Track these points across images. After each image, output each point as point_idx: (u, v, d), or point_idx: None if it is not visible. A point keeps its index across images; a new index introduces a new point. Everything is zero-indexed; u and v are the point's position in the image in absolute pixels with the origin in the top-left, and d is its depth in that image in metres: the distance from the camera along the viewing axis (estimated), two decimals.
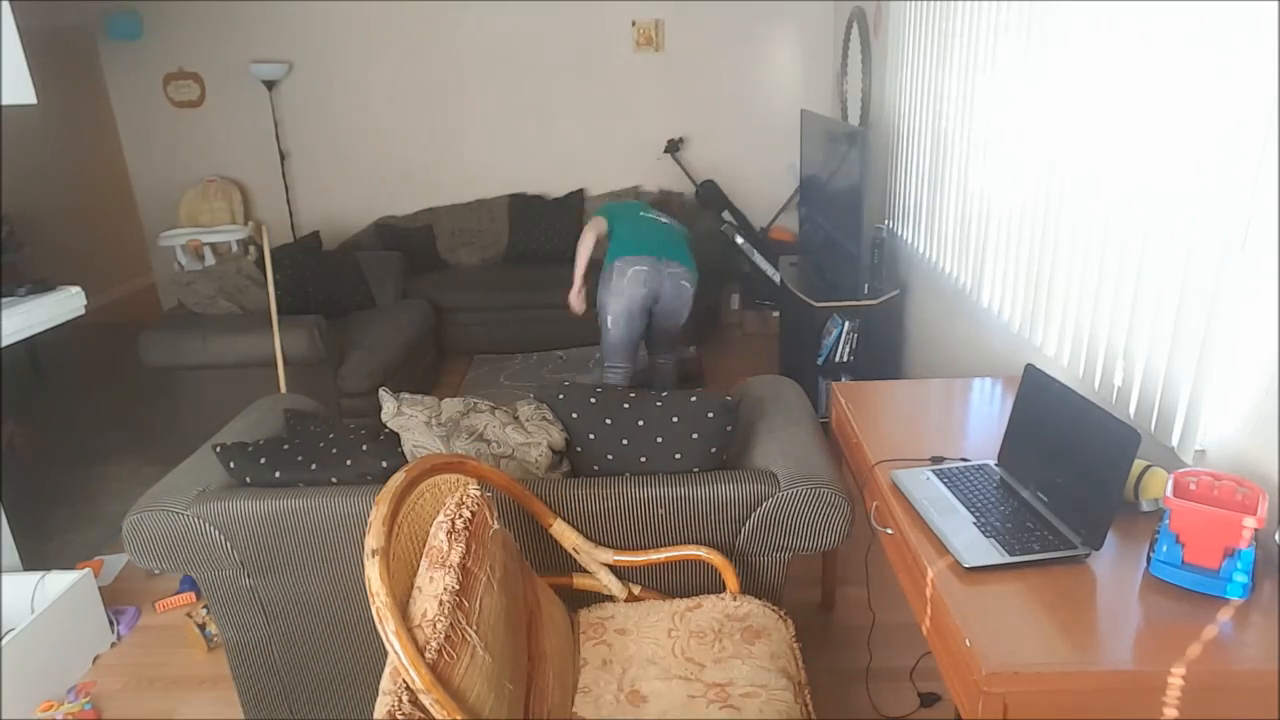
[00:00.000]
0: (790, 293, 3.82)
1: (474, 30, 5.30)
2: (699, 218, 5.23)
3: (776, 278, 4.49)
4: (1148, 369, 1.80)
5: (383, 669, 1.25)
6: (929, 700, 2.18)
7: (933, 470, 1.77)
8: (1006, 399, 2.20)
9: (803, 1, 5.20)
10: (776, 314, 5.04)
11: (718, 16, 5.23)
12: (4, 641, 2.19)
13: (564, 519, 1.82)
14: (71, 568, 2.64)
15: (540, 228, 5.26)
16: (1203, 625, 1.30)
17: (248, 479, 1.87)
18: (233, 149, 5.59)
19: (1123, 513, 1.57)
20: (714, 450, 1.87)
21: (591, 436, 1.91)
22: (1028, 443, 1.69)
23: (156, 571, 2.89)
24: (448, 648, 1.25)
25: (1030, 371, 1.72)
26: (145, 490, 1.92)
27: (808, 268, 4.07)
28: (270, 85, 5.33)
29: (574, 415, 1.93)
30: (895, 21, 3.78)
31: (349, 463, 1.87)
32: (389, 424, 1.95)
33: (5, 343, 2.32)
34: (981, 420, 2.10)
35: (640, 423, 1.88)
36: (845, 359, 3.66)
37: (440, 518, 1.43)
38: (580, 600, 1.87)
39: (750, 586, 1.90)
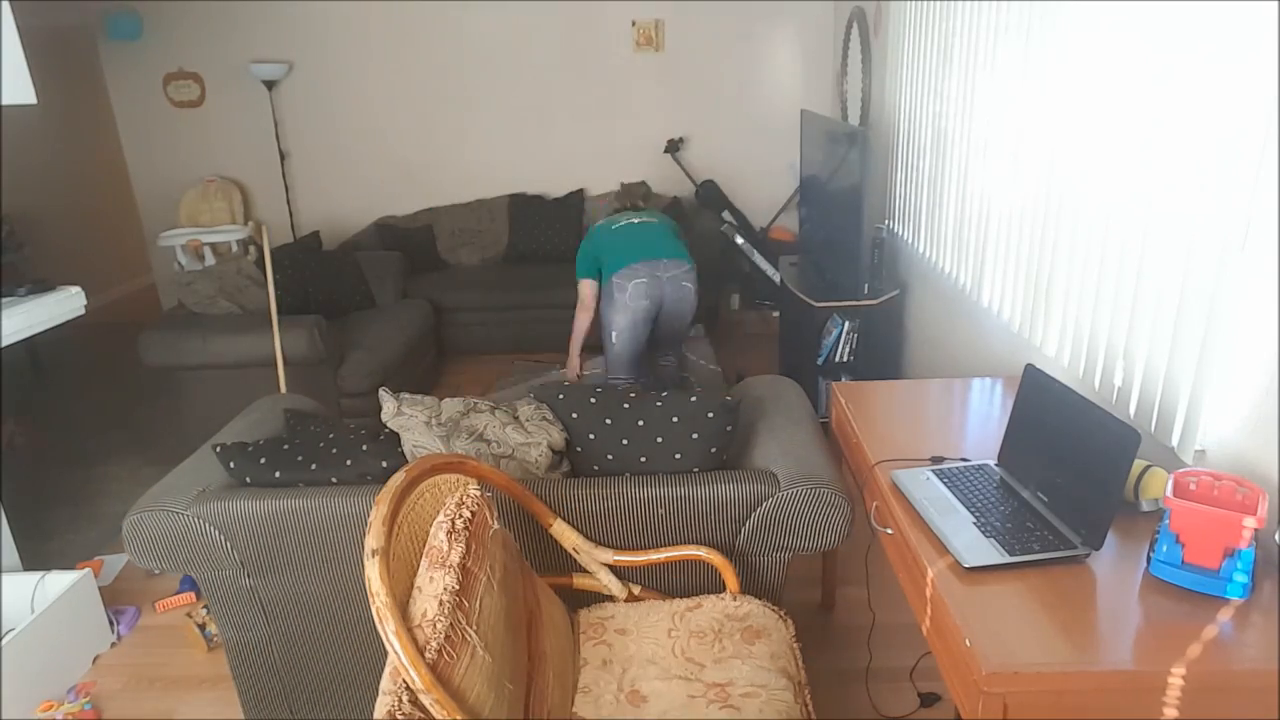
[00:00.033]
0: (790, 293, 3.82)
1: (474, 30, 5.31)
2: (699, 218, 5.23)
3: (776, 278, 4.49)
4: (1148, 369, 1.80)
5: (383, 669, 1.25)
6: (929, 700, 2.18)
7: (933, 470, 1.77)
8: (1006, 399, 2.20)
9: (803, 1, 5.20)
10: (776, 314, 5.04)
11: (718, 16, 5.23)
12: (4, 641, 2.19)
13: (564, 519, 1.82)
14: (71, 568, 2.64)
15: (540, 228, 5.26)
16: (1203, 625, 1.30)
17: (248, 479, 1.87)
18: (233, 149, 5.59)
19: (1123, 513, 1.57)
20: (714, 450, 1.87)
21: (591, 436, 1.91)
22: (1028, 443, 1.69)
23: (156, 571, 2.88)
24: (448, 648, 1.25)
25: (1030, 371, 1.72)
26: (145, 490, 1.92)
27: (808, 268, 4.07)
28: (270, 85, 5.33)
29: (574, 415, 1.93)
30: (895, 21, 3.78)
31: (349, 463, 1.86)
32: (389, 424, 1.95)
33: (5, 343, 2.32)
34: (981, 420, 2.10)
35: (640, 423, 1.88)
36: (845, 359, 3.66)
37: (440, 518, 1.43)
38: (580, 600, 1.87)
39: (750, 586, 1.90)
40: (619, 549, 1.84)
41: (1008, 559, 1.45)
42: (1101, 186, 1.98)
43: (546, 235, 5.25)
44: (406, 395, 1.99)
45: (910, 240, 3.63)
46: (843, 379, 3.66)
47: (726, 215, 5.17)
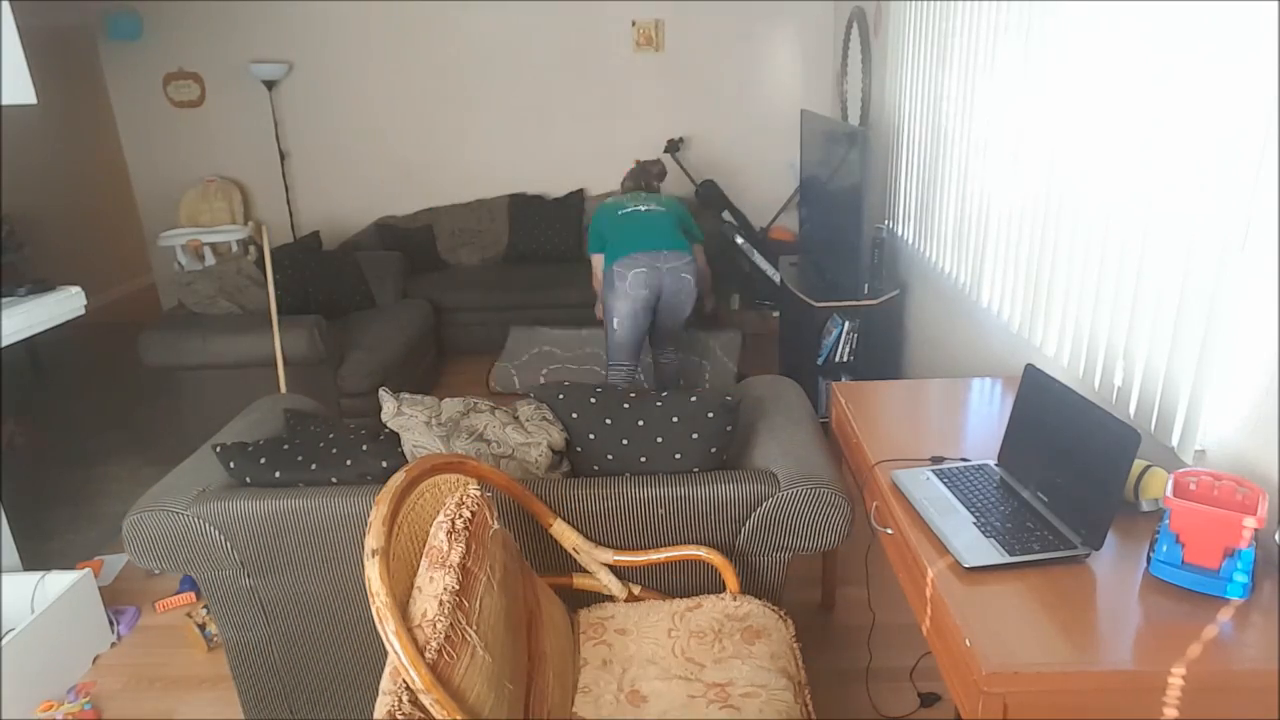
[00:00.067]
0: (790, 293, 3.82)
1: (474, 30, 5.31)
2: (699, 218, 5.22)
3: (776, 278, 4.49)
4: (1148, 369, 1.80)
5: (383, 669, 1.25)
6: (929, 700, 2.18)
7: (933, 470, 1.77)
8: (1006, 399, 2.20)
9: (803, 1, 5.20)
10: (776, 314, 5.04)
11: (718, 16, 5.23)
12: (4, 641, 2.19)
13: (564, 519, 1.82)
14: (71, 568, 2.64)
15: (540, 228, 5.26)
16: (1203, 625, 1.30)
17: (248, 479, 1.87)
18: (233, 149, 5.59)
19: (1123, 513, 1.57)
20: (714, 450, 1.87)
21: (591, 436, 1.91)
22: (1028, 443, 1.69)
23: (156, 571, 2.88)
24: (448, 648, 1.25)
25: (1030, 371, 1.72)
26: (145, 490, 1.92)
27: (808, 268, 4.07)
28: (270, 85, 5.33)
29: (574, 415, 1.93)
30: (895, 21, 3.78)
31: (349, 463, 1.87)
32: (389, 424, 1.95)
33: (5, 343, 2.32)
34: (981, 420, 2.10)
35: (640, 423, 1.88)
36: (845, 359, 3.66)
37: (440, 518, 1.43)
38: (580, 600, 1.87)
39: (750, 586, 1.90)
40: (619, 549, 1.84)
41: (1008, 559, 1.45)
42: (1101, 186, 1.98)
43: (546, 235, 5.25)
44: (406, 395, 1.99)
45: (910, 240, 3.63)
46: (843, 379, 3.66)
47: (726, 215, 5.17)
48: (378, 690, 1.24)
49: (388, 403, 1.97)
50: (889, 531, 1.72)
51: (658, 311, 3.43)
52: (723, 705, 1.51)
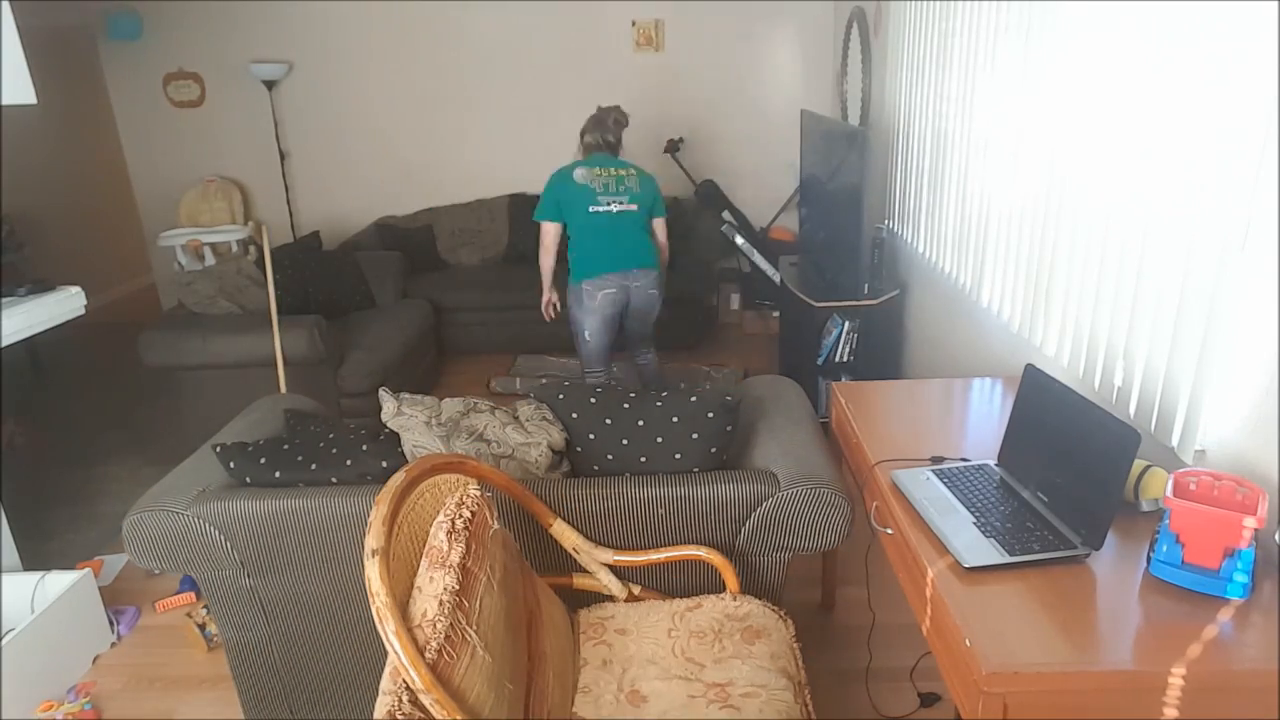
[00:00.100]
0: (790, 293, 3.82)
1: (474, 30, 5.31)
2: (699, 218, 5.23)
3: (776, 278, 4.49)
4: (1148, 369, 1.80)
5: (383, 669, 1.25)
6: (929, 700, 2.18)
7: (933, 470, 1.77)
8: (1006, 399, 2.20)
9: (803, 1, 5.20)
10: (776, 314, 5.04)
11: (718, 16, 5.23)
12: (4, 641, 2.19)
13: (564, 519, 1.82)
14: (71, 568, 2.64)
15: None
16: (1203, 625, 1.30)
17: (248, 479, 1.87)
18: (233, 149, 5.60)
19: (1123, 513, 1.57)
20: (714, 450, 1.87)
21: (591, 436, 1.91)
22: (1028, 443, 1.69)
23: (156, 571, 2.88)
24: (448, 648, 1.25)
25: (1030, 371, 1.72)
26: (145, 490, 1.92)
27: (808, 268, 4.07)
28: (270, 85, 5.33)
29: (574, 415, 1.93)
30: (895, 21, 3.78)
31: (349, 463, 1.87)
32: (389, 424, 1.95)
33: (5, 343, 2.32)
34: (981, 420, 2.10)
35: (640, 423, 1.88)
36: (845, 359, 3.66)
37: (440, 518, 1.43)
38: (580, 600, 1.87)
39: (750, 586, 1.90)
40: (619, 549, 1.84)
41: (1008, 559, 1.45)
42: (1101, 186, 1.98)
43: None
44: (406, 395, 1.99)
45: (910, 240, 3.63)
46: (843, 379, 3.66)
47: (726, 215, 5.17)
48: (378, 690, 1.24)
49: (388, 403, 1.97)
50: (889, 531, 1.72)
51: (625, 320, 3.52)
52: (723, 705, 1.51)
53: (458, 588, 1.31)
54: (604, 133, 3.40)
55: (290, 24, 5.32)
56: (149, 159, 5.62)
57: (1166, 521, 1.38)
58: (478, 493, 1.55)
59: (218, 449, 1.91)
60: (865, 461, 1.93)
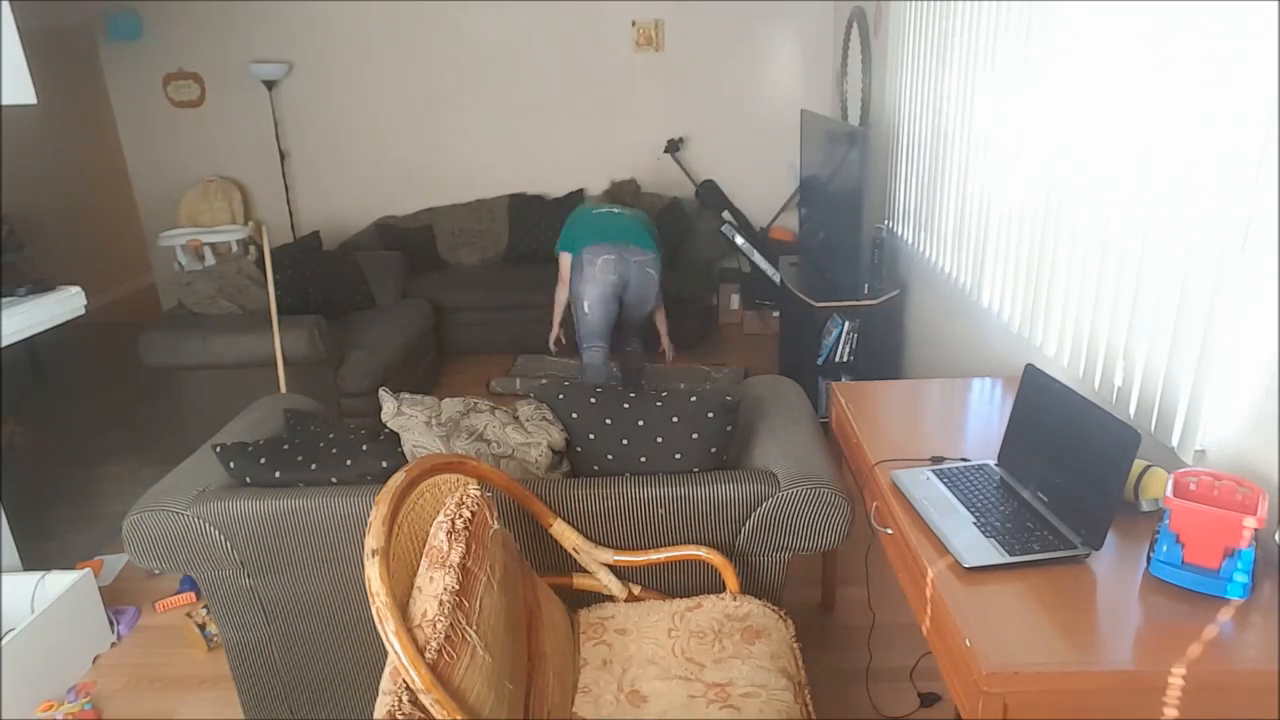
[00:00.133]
0: (790, 293, 3.82)
1: (474, 31, 5.30)
2: (699, 218, 5.23)
3: (776, 278, 4.49)
4: (1148, 369, 1.80)
5: (383, 669, 1.25)
6: (929, 700, 2.18)
7: (933, 470, 1.77)
8: (1006, 399, 2.20)
9: (803, 1, 5.20)
10: (776, 314, 5.04)
11: (718, 16, 5.23)
12: (4, 641, 2.19)
13: (564, 519, 1.82)
14: (71, 568, 2.64)
15: (540, 228, 5.25)
16: (1203, 625, 1.30)
17: (248, 479, 1.87)
18: (233, 149, 5.59)
19: (1123, 513, 1.57)
20: (714, 450, 1.87)
21: (591, 436, 1.91)
22: (1028, 443, 1.69)
23: (156, 571, 2.89)
24: (448, 648, 1.25)
25: (1030, 371, 1.72)
26: (145, 490, 1.92)
27: (808, 268, 4.07)
28: (270, 85, 5.33)
29: (574, 415, 1.93)
30: (895, 21, 3.78)
31: (349, 463, 1.87)
32: (389, 424, 1.95)
33: (5, 343, 2.32)
34: (981, 420, 2.10)
35: (640, 423, 1.88)
36: (845, 359, 3.66)
37: (440, 518, 1.43)
38: (580, 600, 1.87)
39: (750, 586, 1.90)
40: (619, 549, 1.84)
41: (1008, 559, 1.45)
42: (1101, 186, 1.98)
43: (546, 235, 5.24)
44: (406, 395, 1.99)
45: (910, 240, 3.63)
46: (843, 379, 3.66)
47: (726, 215, 5.17)
48: (378, 690, 1.24)
49: (388, 403, 1.97)
50: (889, 531, 1.72)
51: (624, 301, 3.58)
52: (723, 705, 1.51)
53: (458, 588, 1.31)
54: (619, 197, 3.86)
55: (290, 24, 5.32)
56: (149, 159, 5.62)
57: (1166, 521, 1.38)
58: (478, 493, 1.55)
59: (218, 449, 1.91)
60: (865, 461, 1.93)
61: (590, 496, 1.82)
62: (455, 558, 1.35)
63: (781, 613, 1.79)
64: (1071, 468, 1.53)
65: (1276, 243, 1.42)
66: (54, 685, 2.34)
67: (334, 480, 1.86)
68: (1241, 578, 1.33)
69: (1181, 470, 1.43)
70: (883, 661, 2.33)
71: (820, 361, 3.67)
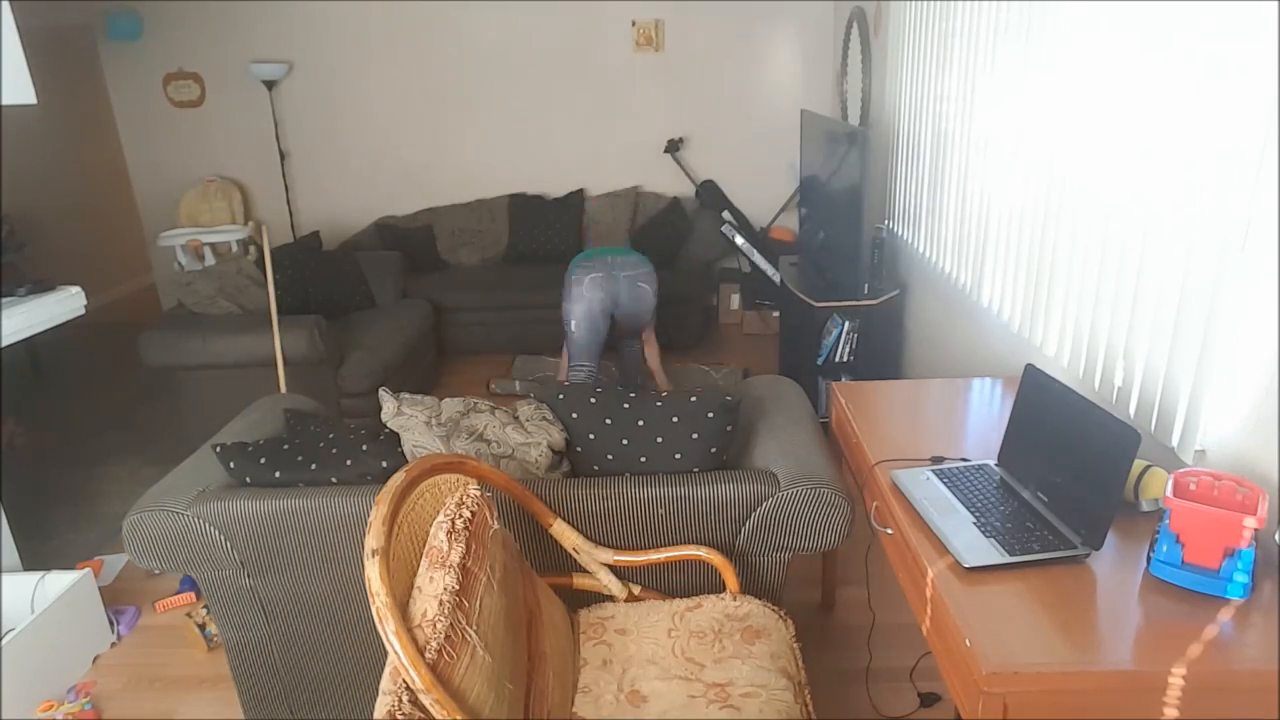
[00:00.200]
0: (790, 293, 3.82)
1: (474, 30, 5.31)
2: (699, 218, 5.23)
3: (776, 278, 4.49)
4: (1148, 369, 1.80)
5: (383, 669, 1.25)
6: (929, 700, 2.18)
7: (933, 470, 1.77)
8: (1006, 399, 2.20)
9: (803, 1, 5.20)
10: (776, 314, 5.04)
11: (718, 16, 5.23)
12: (4, 641, 2.19)
13: (564, 519, 1.82)
14: (71, 568, 2.64)
15: (540, 228, 5.26)
16: (1203, 625, 1.30)
17: (248, 479, 1.87)
18: (233, 149, 5.59)
19: (1123, 513, 1.57)
20: (714, 450, 1.87)
21: (591, 436, 1.91)
22: (1028, 443, 1.69)
23: (156, 571, 2.89)
24: (448, 648, 1.25)
25: (1030, 371, 1.72)
26: (145, 490, 1.92)
27: (808, 268, 4.07)
28: (270, 85, 5.33)
29: (574, 415, 1.93)
30: (895, 21, 3.78)
31: (349, 463, 1.87)
32: (389, 424, 1.95)
33: (5, 343, 2.32)
34: (981, 420, 2.10)
35: (640, 423, 1.88)
36: (845, 359, 3.66)
37: (440, 518, 1.43)
38: (580, 600, 1.87)
39: (750, 586, 1.90)
40: (619, 549, 1.84)
41: (1008, 559, 1.45)
42: (1101, 186, 1.98)
43: (546, 235, 5.25)
44: (406, 395, 1.99)
45: (910, 240, 3.63)
46: (843, 379, 3.66)
47: (726, 215, 5.17)
48: (378, 690, 1.24)
49: (388, 403, 1.97)
50: (889, 531, 1.72)
51: (616, 319, 3.58)
52: (723, 705, 1.51)
53: (458, 588, 1.31)
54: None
55: (290, 24, 5.32)
56: (149, 159, 5.62)
57: (1166, 521, 1.39)
58: (478, 493, 1.55)
59: (218, 449, 1.91)
60: (865, 461, 1.93)
61: (590, 496, 1.82)
62: (455, 558, 1.35)
63: (781, 613, 1.79)
64: (1071, 468, 1.53)
65: (1276, 243, 1.42)
66: (54, 685, 2.34)
67: (334, 480, 1.86)
68: (1241, 578, 1.33)
69: (1181, 470, 1.43)
70: (883, 661, 2.33)
71: (820, 361, 3.67)
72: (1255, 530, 1.31)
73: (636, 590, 1.88)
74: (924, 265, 3.47)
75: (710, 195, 5.27)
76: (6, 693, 2.18)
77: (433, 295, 4.80)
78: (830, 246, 3.80)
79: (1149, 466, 1.60)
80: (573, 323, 3.53)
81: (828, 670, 2.30)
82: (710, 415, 1.86)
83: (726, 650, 1.65)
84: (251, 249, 5.44)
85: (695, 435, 1.86)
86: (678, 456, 1.86)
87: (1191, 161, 1.63)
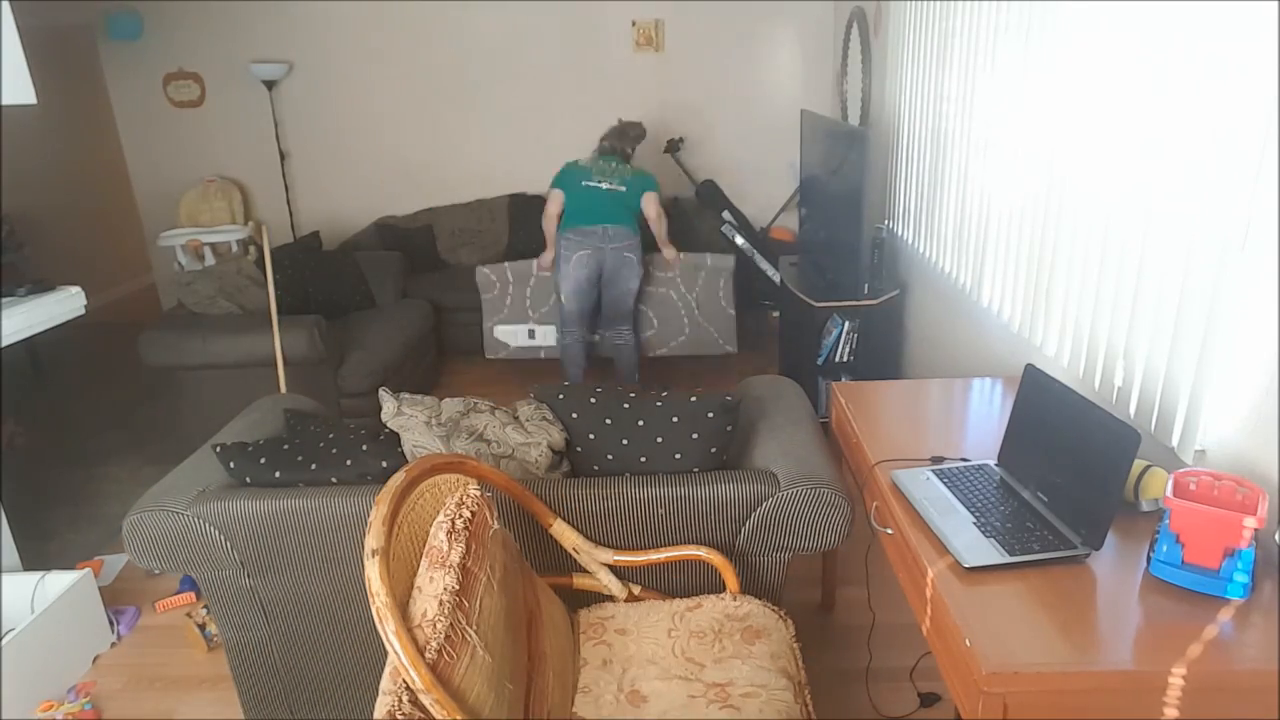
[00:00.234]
0: (790, 293, 3.82)
1: (474, 30, 5.30)
2: (699, 218, 5.23)
3: (776, 278, 4.48)
4: (1148, 369, 1.80)
5: (383, 669, 1.25)
6: (929, 700, 2.18)
7: (933, 470, 1.77)
8: (1006, 399, 2.20)
9: (803, 1, 5.20)
10: (776, 314, 5.04)
11: (718, 16, 5.23)
12: (4, 641, 2.19)
13: (564, 519, 1.82)
14: (71, 568, 2.64)
15: (540, 228, 5.24)
16: (1203, 625, 1.30)
17: (248, 479, 1.87)
18: (233, 149, 5.59)
19: (1123, 513, 1.57)
20: (714, 450, 1.87)
21: (591, 436, 1.91)
22: (1028, 443, 1.69)
23: (156, 571, 2.89)
24: (448, 648, 1.25)
25: (1030, 371, 1.72)
26: (145, 490, 1.92)
27: (808, 268, 4.07)
28: (270, 85, 5.33)
29: (574, 415, 1.93)
30: (895, 21, 3.78)
31: (349, 463, 1.87)
32: (389, 424, 1.95)
33: (5, 343, 2.32)
34: (981, 420, 2.10)
35: (640, 423, 1.88)
36: (845, 359, 3.66)
37: (440, 518, 1.43)
38: (580, 600, 1.87)
39: (750, 586, 1.90)
40: (619, 549, 1.84)
41: (1008, 559, 1.45)
42: (1101, 186, 1.98)
43: None
44: (406, 395, 1.99)
45: (910, 240, 3.63)
46: (843, 379, 3.66)
47: (726, 215, 5.16)
48: (378, 690, 1.24)
49: (388, 403, 1.97)
50: (889, 531, 1.72)
51: (603, 287, 3.82)
52: (723, 705, 1.51)
53: (458, 588, 1.31)
54: (621, 141, 3.97)
55: (290, 24, 5.32)
56: (149, 159, 5.62)
57: (1166, 521, 1.38)
58: (478, 493, 1.55)
59: (218, 449, 1.91)
60: (865, 461, 1.93)
61: (590, 496, 1.82)
62: (455, 558, 1.35)
63: (781, 613, 1.79)
64: (1071, 468, 1.53)
65: (1276, 243, 1.42)
66: (54, 685, 2.34)
67: (334, 480, 1.86)
68: (1241, 578, 1.33)
69: (1181, 470, 1.43)
70: (883, 661, 2.33)
71: (820, 361, 3.67)
72: (1255, 530, 1.31)
73: (636, 590, 1.88)
74: (924, 265, 3.47)
75: (710, 195, 5.27)
76: (6, 693, 2.18)
77: (433, 295, 4.80)
78: (830, 246, 3.80)
79: (1149, 466, 1.60)
80: (562, 295, 3.84)
81: (828, 670, 2.30)
82: (710, 415, 1.86)
83: (726, 650, 1.65)
84: (251, 249, 5.44)
85: (695, 435, 1.86)
86: (678, 456, 1.86)
87: (1191, 161, 1.63)
